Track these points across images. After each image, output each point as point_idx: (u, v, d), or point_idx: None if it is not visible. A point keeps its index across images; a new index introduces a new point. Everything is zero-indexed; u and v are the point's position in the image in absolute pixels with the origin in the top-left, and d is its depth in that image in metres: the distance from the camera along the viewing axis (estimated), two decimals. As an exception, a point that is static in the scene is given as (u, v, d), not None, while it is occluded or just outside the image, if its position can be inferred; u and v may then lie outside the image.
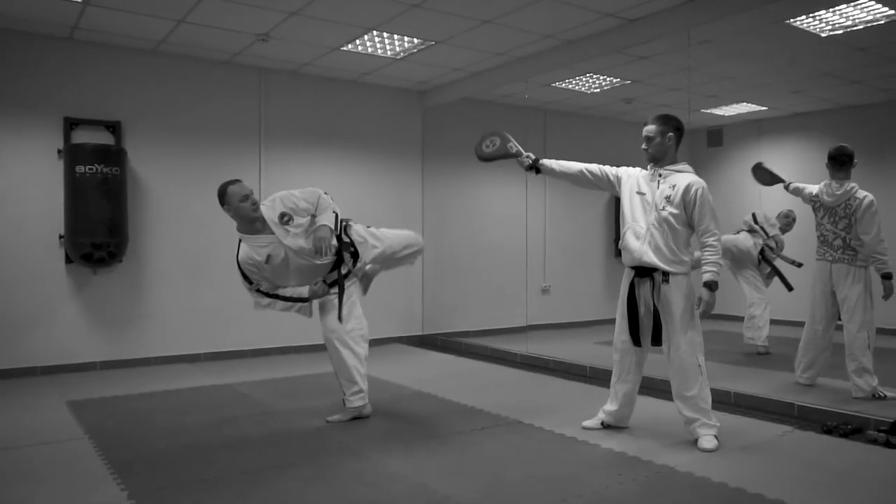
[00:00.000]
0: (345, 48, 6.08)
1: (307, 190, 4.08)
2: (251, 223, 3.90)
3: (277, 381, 5.45)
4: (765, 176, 5.34)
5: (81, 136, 5.84)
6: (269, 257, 3.88)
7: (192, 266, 6.39)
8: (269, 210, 3.94)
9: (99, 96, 5.96)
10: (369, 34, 5.72)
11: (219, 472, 3.29)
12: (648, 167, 3.80)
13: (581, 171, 3.90)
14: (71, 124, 5.81)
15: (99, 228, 5.62)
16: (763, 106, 8.08)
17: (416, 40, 5.90)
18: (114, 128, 5.98)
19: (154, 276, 6.22)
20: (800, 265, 6.21)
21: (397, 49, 6.14)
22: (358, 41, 5.90)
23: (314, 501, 2.90)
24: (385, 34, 5.73)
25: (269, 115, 6.81)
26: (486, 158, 4.09)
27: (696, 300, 3.62)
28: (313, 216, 3.97)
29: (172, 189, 6.30)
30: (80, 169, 5.59)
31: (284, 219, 3.92)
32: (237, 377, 5.61)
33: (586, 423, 3.99)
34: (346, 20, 5.39)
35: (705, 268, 3.55)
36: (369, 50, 6.15)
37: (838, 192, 4.66)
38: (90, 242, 5.60)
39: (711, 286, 3.52)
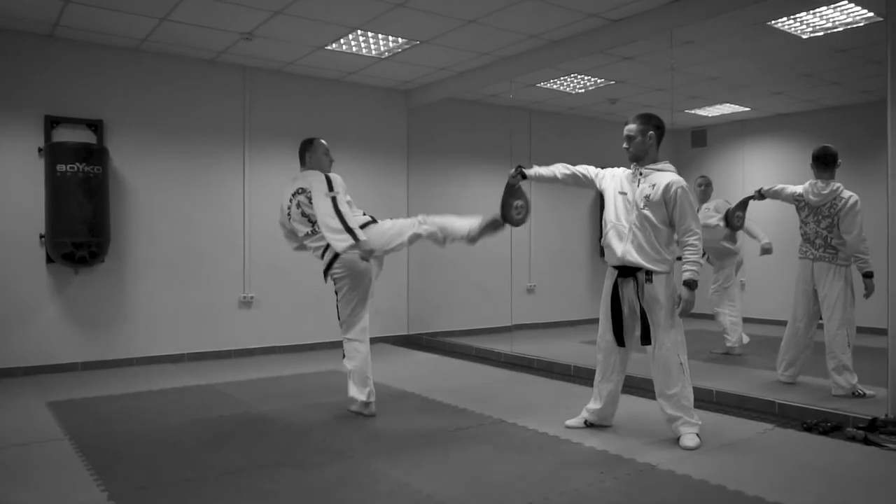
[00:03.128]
0: (329, 47, 6.07)
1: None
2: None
3: (261, 382, 5.43)
4: (738, 216, 5.64)
5: (63, 135, 5.79)
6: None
7: (175, 266, 6.35)
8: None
9: (81, 94, 5.91)
10: (354, 33, 5.71)
11: (201, 472, 3.27)
12: (631, 166, 3.82)
13: (567, 175, 3.93)
14: (52, 122, 5.75)
15: (80, 228, 5.57)
16: (746, 107, 8.14)
17: (400, 40, 5.89)
18: (96, 126, 5.93)
19: (137, 276, 6.17)
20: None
21: (382, 48, 6.13)
22: (342, 40, 5.89)
23: (297, 500, 2.90)
24: (370, 33, 5.72)
25: (254, 114, 6.78)
26: (513, 223, 4.14)
27: (675, 296, 3.65)
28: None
29: (156, 188, 6.26)
30: (61, 168, 5.53)
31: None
32: (220, 377, 5.58)
33: (569, 423, 4.01)
34: (330, 19, 5.38)
35: (685, 266, 3.57)
36: (354, 49, 6.14)
37: (825, 192, 4.71)
38: (71, 242, 5.55)
39: (691, 285, 3.55)
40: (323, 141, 4.48)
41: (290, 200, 4.29)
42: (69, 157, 5.55)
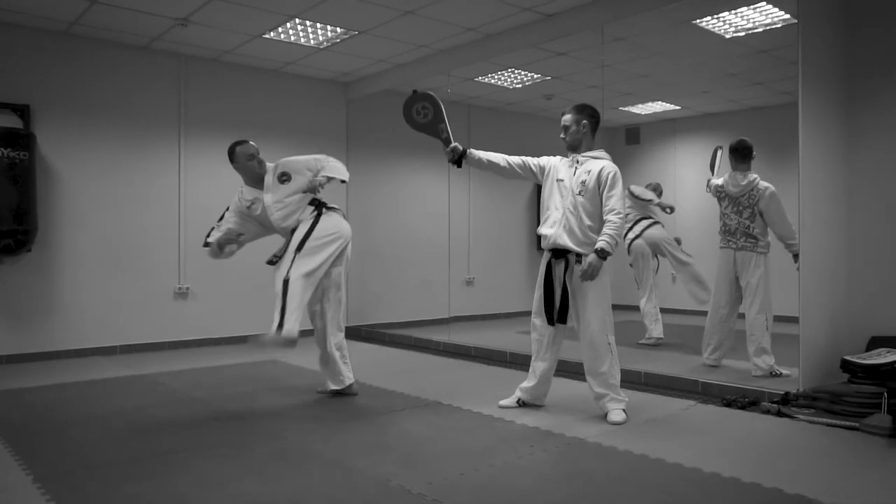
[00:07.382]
0: (267, 35, 6.03)
1: (313, 156, 4.40)
2: (257, 181, 4.28)
3: (197, 371, 5.36)
4: (712, 159, 5.70)
5: (-14, 119, 5.59)
6: (252, 202, 4.26)
7: (107, 256, 6.19)
8: (271, 172, 4.26)
9: (6, 78, 5.70)
10: (292, 21, 5.70)
11: (130, 455, 3.22)
12: (568, 155, 3.96)
13: (507, 164, 4.00)
14: (-26, 106, 5.56)
15: (5, 215, 5.39)
16: (676, 105, 8.44)
17: (338, 29, 5.90)
18: (22, 111, 5.74)
19: (66, 267, 5.99)
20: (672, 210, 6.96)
21: (320, 38, 6.13)
22: (280, 28, 5.86)
23: (229, 478, 2.89)
24: (308, 22, 5.72)
25: (190, 103, 6.67)
26: (414, 127, 4.10)
27: (606, 279, 3.77)
28: (305, 193, 4.24)
29: (86, 176, 6.09)
30: (-16, 153, 5.35)
31: (283, 178, 4.23)
32: (154, 368, 5.48)
33: (503, 402, 4.11)
34: (267, 6, 5.35)
35: (601, 236, 3.68)
36: (292, 38, 6.12)
37: (742, 183, 4.96)
38: (-5, 230, 5.37)
39: (600, 253, 3.65)
40: (249, 144, 4.30)
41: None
42: (-7, 142, 5.37)
